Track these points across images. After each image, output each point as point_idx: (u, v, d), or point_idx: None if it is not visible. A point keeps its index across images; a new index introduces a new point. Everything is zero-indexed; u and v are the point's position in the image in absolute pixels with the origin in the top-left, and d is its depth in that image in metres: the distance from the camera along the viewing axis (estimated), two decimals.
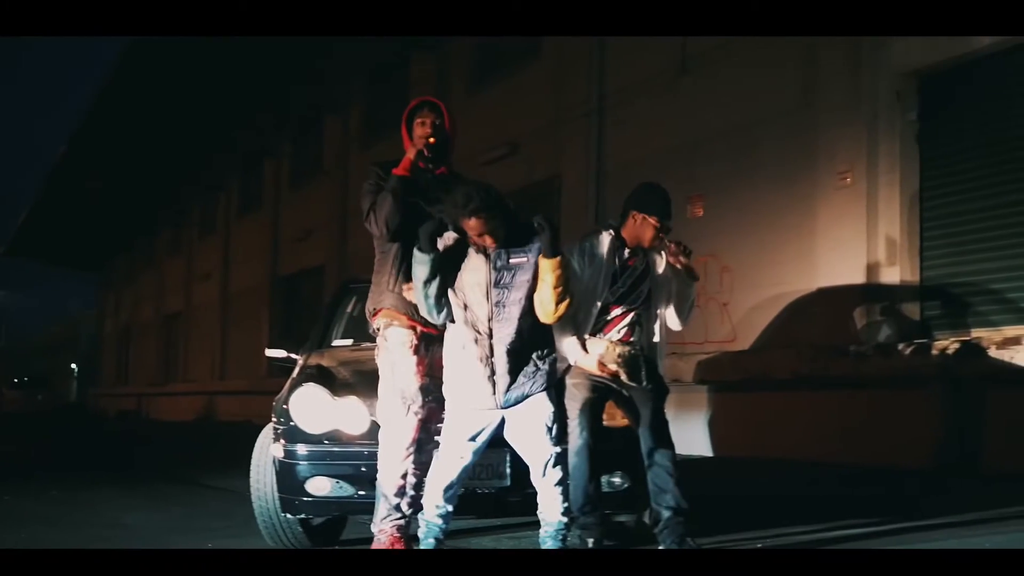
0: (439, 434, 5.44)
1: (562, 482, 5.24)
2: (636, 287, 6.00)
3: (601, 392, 5.83)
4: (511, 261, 5.26)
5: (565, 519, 5.23)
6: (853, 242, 10.95)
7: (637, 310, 5.99)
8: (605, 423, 5.84)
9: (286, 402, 6.08)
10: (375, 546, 5.50)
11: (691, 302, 6.18)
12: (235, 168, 30.80)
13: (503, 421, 5.31)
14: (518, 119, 17.22)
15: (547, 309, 5.20)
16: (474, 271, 5.28)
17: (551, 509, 5.23)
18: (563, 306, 5.22)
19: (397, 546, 5.46)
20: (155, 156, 31.50)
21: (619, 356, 5.82)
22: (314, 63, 23.48)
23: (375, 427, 5.88)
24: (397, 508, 5.51)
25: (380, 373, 5.66)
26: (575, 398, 5.74)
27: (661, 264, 6.08)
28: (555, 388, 5.46)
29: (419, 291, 5.30)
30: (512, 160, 17.31)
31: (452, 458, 5.31)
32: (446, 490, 5.31)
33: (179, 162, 32.38)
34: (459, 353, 5.31)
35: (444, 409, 5.41)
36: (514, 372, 5.22)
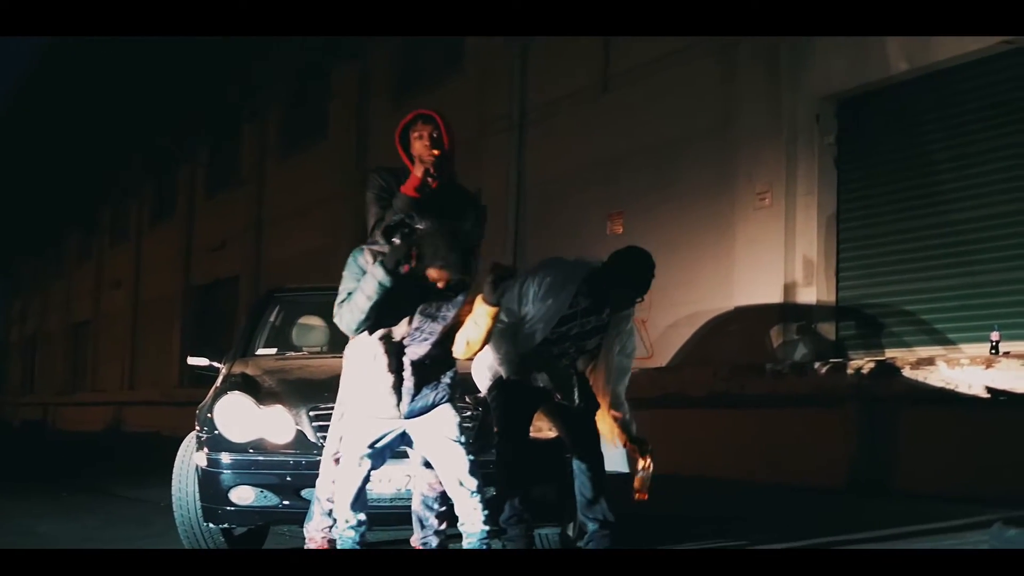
0: None
1: (480, 490, 5.22)
2: (582, 339, 5.97)
3: (530, 403, 5.83)
4: (443, 299, 5.22)
5: (487, 527, 5.22)
6: (771, 262, 11.08)
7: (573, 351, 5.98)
8: (532, 435, 5.84)
9: (210, 410, 6.01)
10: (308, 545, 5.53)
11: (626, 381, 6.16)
12: (148, 175, 30.41)
13: (403, 434, 5.31)
14: None
15: (471, 349, 5.20)
16: (398, 299, 5.23)
17: (471, 519, 5.21)
18: (480, 349, 5.25)
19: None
20: (65, 161, 30.99)
21: (549, 373, 5.83)
22: (233, 71, 23.28)
23: (300, 436, 5.87)
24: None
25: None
26: (504, 409, 5.73)
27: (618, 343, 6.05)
28: (492, 398, 5.47)
29: (359, 307, 5.21)
30: None
31: (352, 467, 5.28)
32: (353, 501, 5.28)
33: (90, 168, 31.89)
34: (368, 363, 5.26)
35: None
36: (419, 386, 5.22)
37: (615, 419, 5.92)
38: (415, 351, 5.22)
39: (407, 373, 5.20)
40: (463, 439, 5.25)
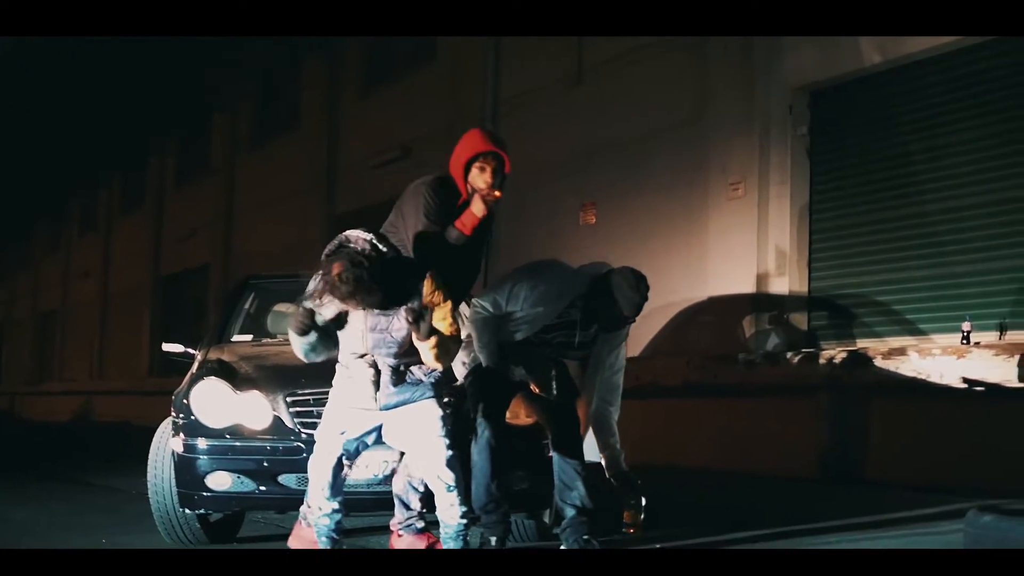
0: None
1: (457, 484, 5.23)
2: (565, 349, 5.98)
3: (506, 390, 5.84)
4: (385, 317, 5.22)
5: (464, 520, 5.24)
6: (743, 252, 11.13)
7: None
8: (510, 421, 5.85)
9: (186, 396, 6.01)
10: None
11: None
12: (118, 165, 30.25)
13: (379, 426, 5.33)
14: (411, 123, 17.17)
15: (427, 362, 5.22)
16: (350, 334, 5.26)
17: (449, 512, 5.22)
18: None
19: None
20: (34, 151, 30.78)
21: (530, 367, 5.85)
22: (204, 61, 23.18)
23: (277, 422, 5.87)
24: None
25: None
26: (480, 396, 5.74)
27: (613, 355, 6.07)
28: (468, 385, 5.48)
29: (297, 342, 5.28)
30: (404, 164, 17.26)
31: (323, 454, 5.29)
32: (328, 489, 5.28)
33: (59, 158, 31.69)
34: (349, 358, 5.30)
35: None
36: (397, 382, 5.23)
37: (604, 454, 5.94)
38: (384, 362, 5.24)
39: (385, 368, 5.22)
40: (444, 434, 5.25)
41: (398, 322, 5.17)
